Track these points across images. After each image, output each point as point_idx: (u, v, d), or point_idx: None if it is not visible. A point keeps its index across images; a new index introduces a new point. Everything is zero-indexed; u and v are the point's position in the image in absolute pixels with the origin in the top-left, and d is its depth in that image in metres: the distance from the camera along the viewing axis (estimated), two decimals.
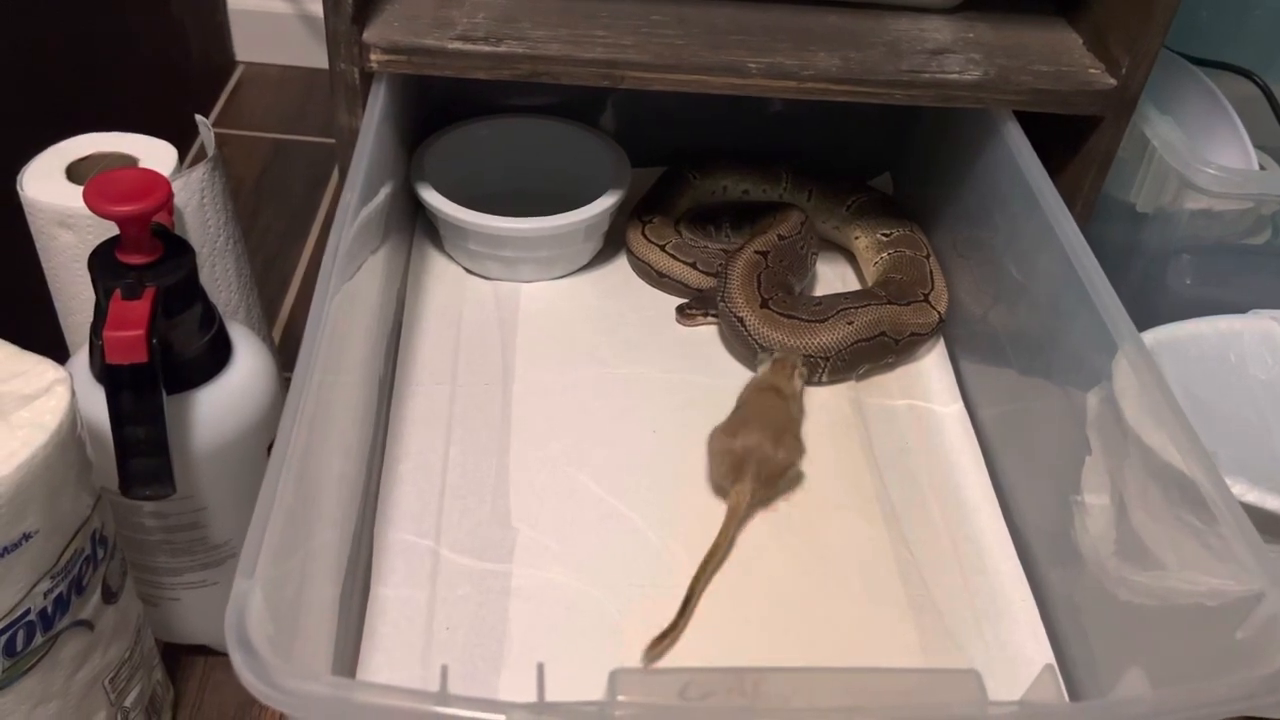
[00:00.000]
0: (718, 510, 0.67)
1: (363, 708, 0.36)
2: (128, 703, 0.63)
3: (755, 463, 0.64)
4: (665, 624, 0.59)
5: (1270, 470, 0.75)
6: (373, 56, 0.67)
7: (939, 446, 0.73)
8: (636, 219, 0.85)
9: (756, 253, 0.78)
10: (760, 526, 0.66)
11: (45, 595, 0.53)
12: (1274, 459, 0.77)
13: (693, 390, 0.75)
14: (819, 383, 0.75)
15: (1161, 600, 0.52)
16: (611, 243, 0.85)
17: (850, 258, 0.88)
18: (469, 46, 0.67)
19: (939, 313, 0.78)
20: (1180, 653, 0.50)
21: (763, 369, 0.72)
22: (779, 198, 0.89)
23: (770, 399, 0.68)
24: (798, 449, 0.67)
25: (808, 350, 0.73)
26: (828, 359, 0.74)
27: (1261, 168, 0.85)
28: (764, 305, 0.74)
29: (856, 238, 0.86)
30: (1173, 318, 0.78)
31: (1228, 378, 0.78)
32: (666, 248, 0.82)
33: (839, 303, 0.76)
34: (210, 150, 0.70)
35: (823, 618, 0.62)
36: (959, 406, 0.75)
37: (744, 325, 0.74)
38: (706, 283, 0.80)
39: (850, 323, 0.74)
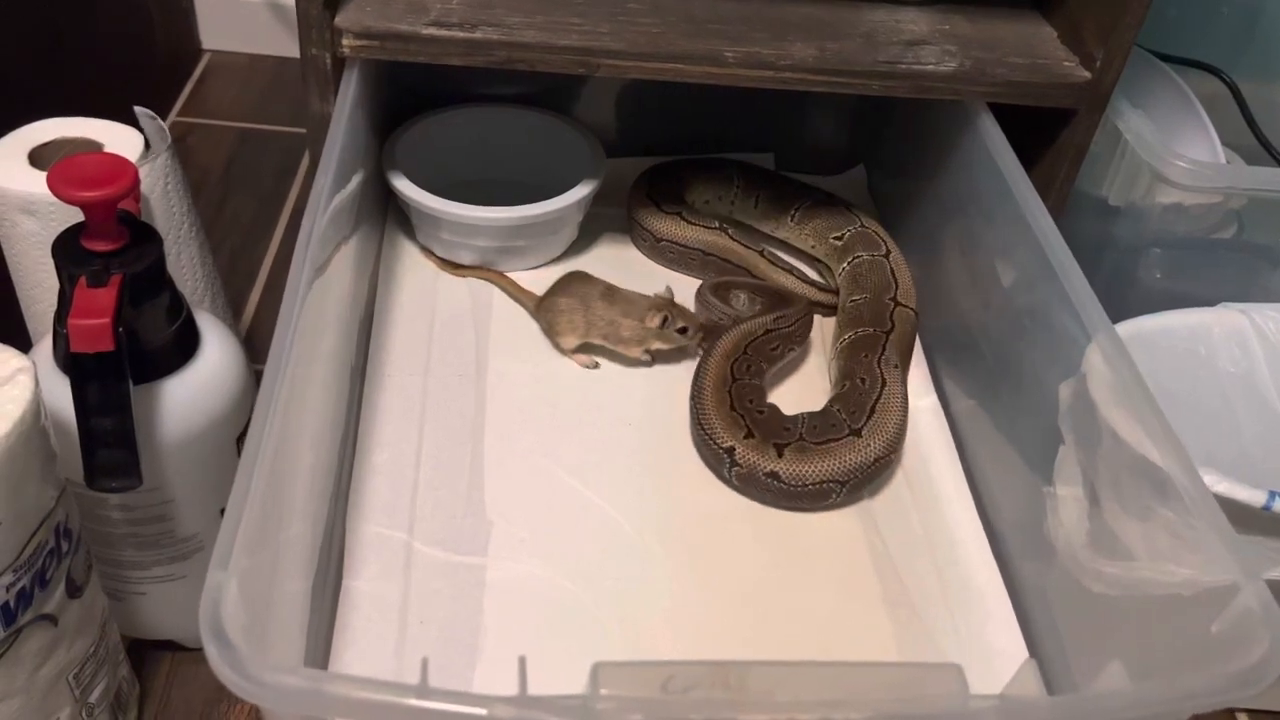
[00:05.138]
0: (693, 503, 0.67)
1: (341, 701, 0.36)
2: (92, 699, 0.61)
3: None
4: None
5: (1239, 462, 0.76)
6: (345, 42, 0.66)
7: (913, 439, 0.73)
8: (655, 205, 0.85)
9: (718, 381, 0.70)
10: (736, 520, 0.66)
11: (7, 589, 0.52)
12: (1243, 451, 0.78)
13: (668, 382, 0.74)
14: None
15: (1134, 592, 0.52)
16: (586, 233, 0.84)
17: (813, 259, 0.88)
18: (443, 32, 0.66)
19: (912, 309, 0.78)
20: (1154, 646, 0.50)
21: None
22: (731, 203, 0.88)
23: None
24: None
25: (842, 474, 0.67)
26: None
27: (1227, 163, 0.85)
28: (780, 455, 0.66)
29: (813, 246, 0.86)
30: (1142, 311, 0.78)
31: (1197, 371, 0.78)
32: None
33: (863, 400, 0.70)
34: (160, 145, 0.68)
35: (797, 611, 0.62)
36: (933, 399, 0.75)
37: (779, 479, 0.66)
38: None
39: (884, 428, 0.69)
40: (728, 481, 0.68)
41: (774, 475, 0.66)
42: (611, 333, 0.74)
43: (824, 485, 0.66)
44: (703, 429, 0.68)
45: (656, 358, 0.76)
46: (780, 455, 0.66)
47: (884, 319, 0.76)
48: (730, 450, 0.66)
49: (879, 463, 0.67)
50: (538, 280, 0.79)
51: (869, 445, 0.67)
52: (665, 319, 0.73)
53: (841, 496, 0.67)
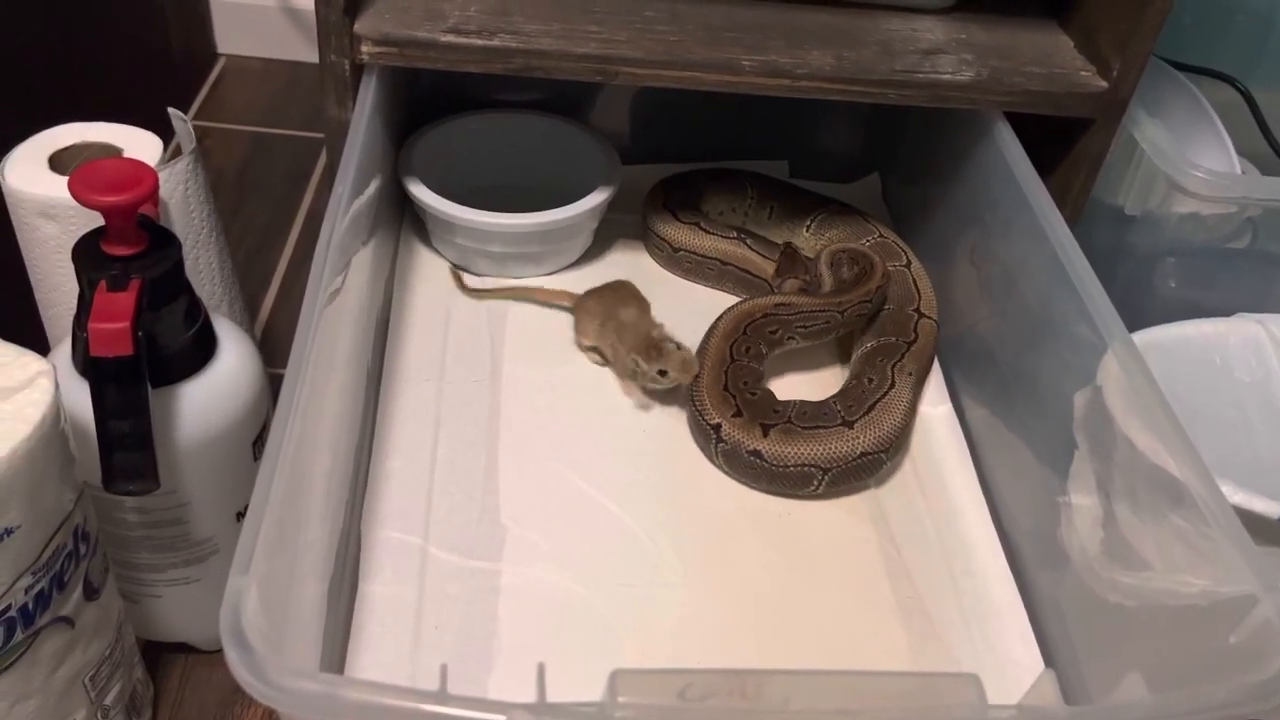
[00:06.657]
0: (708, 508, 0.67)
1: (361, 706, 0.36)
2: (108, 701, 0.62)
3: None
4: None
5: (1255, 472, 0.76)
6: (364, 48, 0.66)
7: (927, 447, 0.73)
8: (671, 215, 0.84)
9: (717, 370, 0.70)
10: (750, 527, 0.66)
11: (26, 591, 0.52)
12: (1259, 461, 0.78)
13: (683, 387, 0.74)
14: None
15: (1150, 602, 0.52)
16: (600, 240, 0.85)
17: None
18: (461, 40, 0.66)
19: (934, 320, 0.77)
20: (1171, 657, 0.50)
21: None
22: (745, 214, 0.88)
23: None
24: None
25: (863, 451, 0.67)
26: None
27: (1242, 172, 0.85)
28: (765, 434, 0.66)
29: None
30: (1158, 321, 0.78)
31: (1213, 380, 0.78)
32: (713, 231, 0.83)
33: (871, 394, 0.70)
34: (188, 146, 0.69)
35: (810, 619, 0.62)
36: (947, 408, 0.75)
37: (761, 458, 0.66)
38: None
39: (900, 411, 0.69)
40: (714, 459, 0.69)
41: (757, 454, 0.66)
42: (613, 357, 0.73)
43: (805, 469, 0.66)
44: (694, 405, 0.69)
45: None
46: (765, 435, 0.66)
47: (908, 330, 0.76)
48: (717, 427, 0.67)
49: (865, 458, 0.67)
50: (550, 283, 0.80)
51: (857, 438, 0.67)
52: (636, 363, 0.70)
53: (823, 486, 0.67)
